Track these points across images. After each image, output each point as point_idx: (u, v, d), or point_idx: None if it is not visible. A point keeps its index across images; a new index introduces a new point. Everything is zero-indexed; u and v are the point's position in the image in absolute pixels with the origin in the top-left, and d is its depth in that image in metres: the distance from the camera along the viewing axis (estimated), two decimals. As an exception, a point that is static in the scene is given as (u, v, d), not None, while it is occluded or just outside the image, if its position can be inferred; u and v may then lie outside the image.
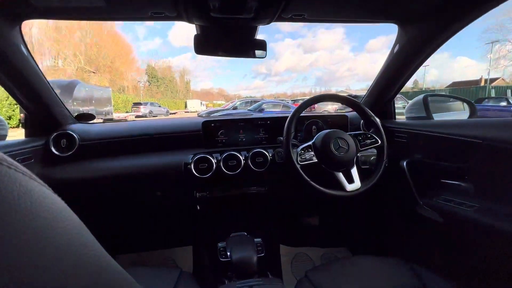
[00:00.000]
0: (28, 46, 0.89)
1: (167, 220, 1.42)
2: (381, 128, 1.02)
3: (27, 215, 0.15)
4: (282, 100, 14.89)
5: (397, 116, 1.31)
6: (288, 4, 0.78)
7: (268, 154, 1.10)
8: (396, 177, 1.07)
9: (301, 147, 0.98)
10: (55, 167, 1.01)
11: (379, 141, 1.00)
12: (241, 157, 1.08)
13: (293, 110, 1.01)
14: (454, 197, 0.88)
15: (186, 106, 33.68)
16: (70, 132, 1.04)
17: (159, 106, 20.58)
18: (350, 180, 0.94)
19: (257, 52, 0.99)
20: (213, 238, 1.25)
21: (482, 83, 22.13)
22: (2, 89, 0.91)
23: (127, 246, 1.45)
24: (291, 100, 17.61)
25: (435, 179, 0.97)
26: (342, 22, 0.98)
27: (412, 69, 1.07)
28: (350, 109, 1.11)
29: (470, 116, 1.21)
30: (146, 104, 18.79)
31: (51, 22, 24.89)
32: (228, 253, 1.05)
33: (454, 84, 30.83)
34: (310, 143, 0.98)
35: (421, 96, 1.21)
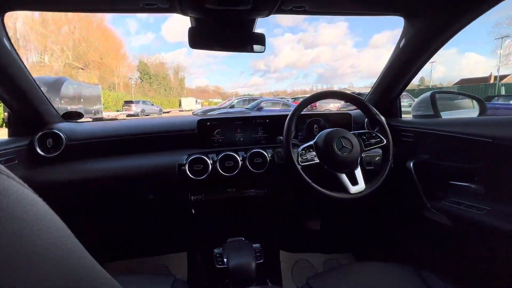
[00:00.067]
0: (12, 41, 0.88)
1: (160, 225, 1.41)
2: (387, 127, 1.02)
3: (3, 216, 0.15)
4: (282, 98, 14.97)
5: (402, 115, 1.32)
6: None
7: (267, 155, 1.10)
8: (402, 178, 1.07)
9: (302, 147, 0.98)
10: (41, 169, 1.00)
11: (385, 141, 1.00)
12: (238, 157, 1.08)
13: (293, 108, 1.01)
14: (463, 200, 0.88)
15: (180, 105, 33.63)
16: (57, 132, 1.03)
17: (152, 105, 20.56)
18: (354, 181, 0.94)
19: (255, 47, 0.99)
20: (209, 243, 1.25)
21: (492, 80, 22.29)
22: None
23: (117, 253, 1.44)
24: (291, 98, 17.69)
25: (443, 181, 0.97)
26: (345, 14, 0.98)
27: (418, 64, 1.07)
28: (354, 107, 1.11)
29: (480, 114, 1.21)
30: (138, 102, 18.74)
31: (37, 15, 24.85)
32: (225, 260, 1.04)
33: (462, 81, 31.05)
34: (311, 142, 0.98)
35: (428, 93, 1.21)
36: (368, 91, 1.36)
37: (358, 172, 0.96)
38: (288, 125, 0.97)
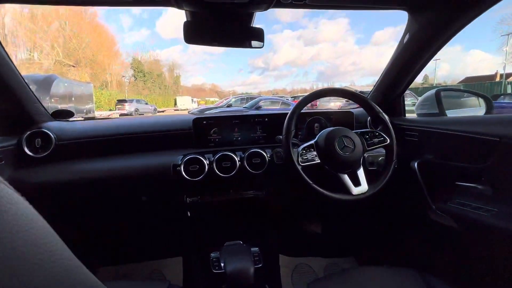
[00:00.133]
0: (0, 37, 0.88)
1: (154, 228, 1.41)
2: (390, 126, 1.02)
3: None
4: (281, 97, 14.94)
5: (406, 114, 1.32)
6: None
7: (266, 155, 1.10)
8: (406, 179, 1.07)
9: (302, 146, 0.97)
10: (29, 169, 0.99)
11: (388, 140, 1.00)
12: (236, 157, 1.08)
13: (293, 106, 1.01)
14: (470, 201, 0.88)
15: (175, 104, 33.55)
16: (46, 131, 1.02)
17: (146, 104, 20.50)
18: (356, 182, 0.94)
19: (254, 42, 0.98)
20: (205, 247, 1.24)
21: (498, 78, 22.44)
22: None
23: (110, 257, 1.43)
24: (291, 97, 17.68)
25: (449, 181, 0.97)
26: (347, 8, 0.98)
27: (423, 61, 1.08)
28: (356, 106, 1.11)
29: (486, 112, 1.22)
30: (131, 101, 18.70)
31: (26, 10, 24.73)
32: (222, 264, 1.04)
33: (468, 79, 31.26)
34: (312, 142, 0.98)
35: (433, 91, 1.21)
36: (370, 90, 1.36)
37: (361, 173, 0.96)
38: (288, 124, 0.97)
